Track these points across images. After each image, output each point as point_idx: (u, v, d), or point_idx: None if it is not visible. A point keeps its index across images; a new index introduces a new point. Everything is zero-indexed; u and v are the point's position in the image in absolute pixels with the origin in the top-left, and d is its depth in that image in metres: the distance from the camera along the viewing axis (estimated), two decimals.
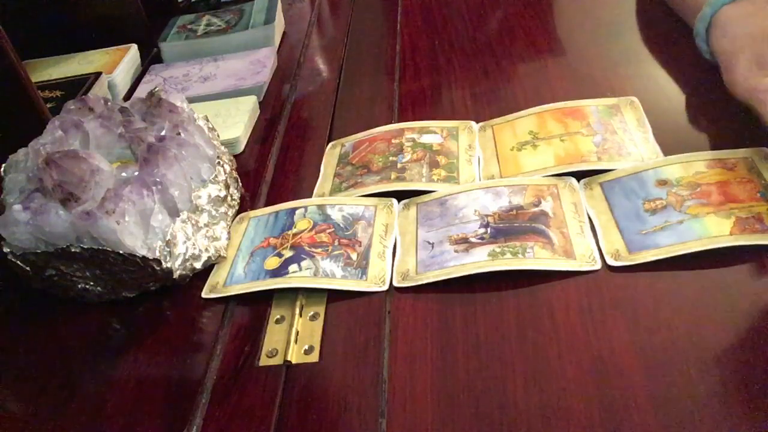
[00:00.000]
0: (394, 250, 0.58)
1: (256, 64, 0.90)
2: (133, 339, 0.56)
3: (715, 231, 0.51)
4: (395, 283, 0.54)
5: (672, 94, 0.70)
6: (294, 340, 0.51)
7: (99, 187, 0.56)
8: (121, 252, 0.54)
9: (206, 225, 0.61)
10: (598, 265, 0.52)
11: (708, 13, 0.64)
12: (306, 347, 0.51)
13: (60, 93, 0.86)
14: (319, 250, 0.58)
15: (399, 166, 0.66)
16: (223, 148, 0.69)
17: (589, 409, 0.42)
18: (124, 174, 0.60)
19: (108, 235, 0.54)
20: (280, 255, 0.58)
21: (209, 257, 0.59)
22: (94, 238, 0.54)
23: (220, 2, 1.11)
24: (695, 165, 0.57)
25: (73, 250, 0.54)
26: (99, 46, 0.98)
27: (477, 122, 0.71)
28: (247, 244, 0.61)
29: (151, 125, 0.64)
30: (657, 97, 0.69)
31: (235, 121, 0.78)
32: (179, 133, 0.63)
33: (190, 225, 0.59)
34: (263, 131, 0.79)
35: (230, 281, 0.58)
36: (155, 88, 0.70)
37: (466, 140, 0.69)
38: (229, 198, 0.65)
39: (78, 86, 0.85)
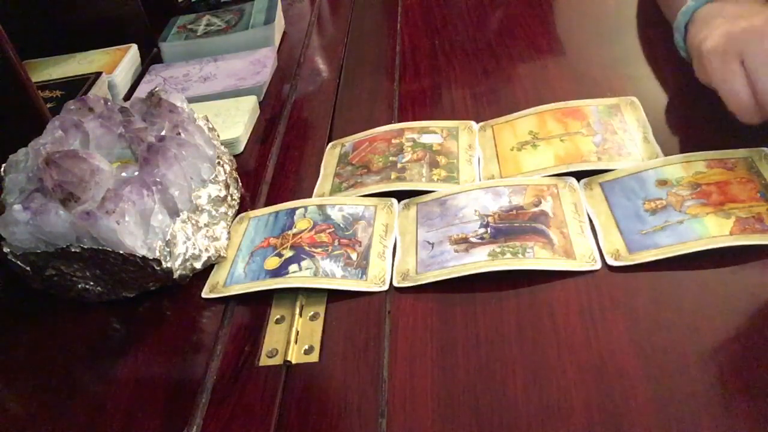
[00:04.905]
0: (394, 250, 0.58)
1: (256, 64, 0.90)
2: (133, 339, 0.56)
3: (715, 231, 0.51)
4: (395, 283, 0.54)
5: (672, 94, 0.70)
6: (294, 340, 0.51)
7: (99, 187, 0.56)
8: (121, 252, 0.54)
9: (206, 225, 0.61)
10: (598, 265, 0.52)
11: (692, 8, 0.64)
12: (306, 347, 0.51)
13: (60, 93, 0.86)
14: (319, 250, 0.58)
15: (399, 166, 0.66)
16: (223, 148, 0.69)
17: (589, 409, 0.42)
18: (124, 174, 0.60)
19: (108, 235, 0.54)
20: (280, 255, 0.58)
21: (209, 257, 0.59)
22: (94, 238, 0.54)
23: (220, 2, 1.11)
24: (695, 165, 0.57)
25: (73, 250, 0.54)
26: (99, 46, 0.98)
27: (477, 122, 0.71)
28: (247, 244, 0.61)
29: (151, 125, 0.64)
30: (657, 97, 0.69)
31: (235, 121, 0.78)
32: (179, 133, 0.63)
33: (190, 225, 0.59)
34: (263, 131, 0.79)
35: (230, 281, 0.58)
36: (155, 88, 0.70)
37: (466, 140, 0.69)
38: (229, 198, 0.65)
39: (78, 86, 0.85)
